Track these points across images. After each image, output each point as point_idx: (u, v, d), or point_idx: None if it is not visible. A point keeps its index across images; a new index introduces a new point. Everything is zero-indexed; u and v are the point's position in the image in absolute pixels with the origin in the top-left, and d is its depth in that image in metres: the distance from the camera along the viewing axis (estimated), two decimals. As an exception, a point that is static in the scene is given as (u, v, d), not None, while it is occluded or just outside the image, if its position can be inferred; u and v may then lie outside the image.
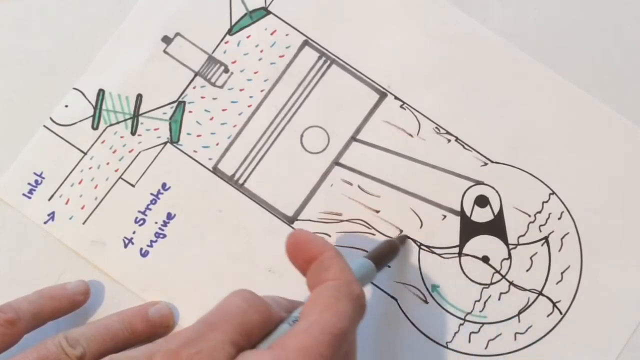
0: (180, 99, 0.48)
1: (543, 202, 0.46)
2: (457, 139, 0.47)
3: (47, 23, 0.49)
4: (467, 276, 0.46)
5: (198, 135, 0.48)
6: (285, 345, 0.33)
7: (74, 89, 0.48)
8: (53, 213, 0.47)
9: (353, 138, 0.47)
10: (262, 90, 0.48)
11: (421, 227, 0.46)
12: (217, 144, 0.48)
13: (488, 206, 0.46)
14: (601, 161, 0.46)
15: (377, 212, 0.46)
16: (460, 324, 0.45)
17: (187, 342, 0.33)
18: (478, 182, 0.47)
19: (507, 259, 0.46)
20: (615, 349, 0.44)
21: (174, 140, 0.48)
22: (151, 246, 0.46)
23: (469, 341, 0.45)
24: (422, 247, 0.46)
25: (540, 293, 0.45)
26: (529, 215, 0.46)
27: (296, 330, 0.34)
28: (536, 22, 0.48)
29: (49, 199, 0.47)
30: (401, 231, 0.46)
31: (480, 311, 0.45)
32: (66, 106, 0.48)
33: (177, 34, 0.49)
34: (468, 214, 0.46)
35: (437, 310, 0.45)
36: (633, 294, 0.45)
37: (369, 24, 0.48)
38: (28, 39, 0.49)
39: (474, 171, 0.47)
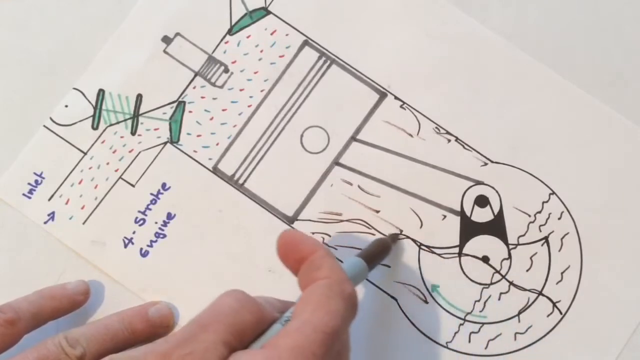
0: (180, 99, 0.48)
1: (543, 202, 0.46)
2: (457, 139, 0.47)
3: (47, 23, 0.49)
4: (467, 276, 0.46)
5: (198, 135, 0.48)
6: (278, 344, 0.33)
7: (74, 89, 0.48)
8: (53, 213, 0.47)
9: (353, 138, 0.47)
10: (262, 90, 0.48)
11: (421, 227, 0.46)
12: (217, 144, 0.48)
13: (488, 206, 0.46)
14: (601, 161, 0.46)
15: (377, 212, 0.46)
16: (460, 324, 0.45)
17: (179, 343, 0.33)
18: (478, 182, 0.46)
19: (507, 259, 0.46)
20: (615, 349, 0.44)
21: (174, 140, 0.48)
22: (151, 246, 0.46)
23: (469, 341, 0.45)
24: (422, 247, 0.46)
25: (540, 293, 0.45)
26: (529, 215, 0.46)
27: (288, 330, 0.34)
28: (536, 22, 0.48)
29: (49, 199, 0.47)
30: (401, 231, 0.46)
31: (480, 311, 0.45)
32: (66, 106, 0.48)
33: (177, 34, 0.49)
34: (468, 214, 0.46)
35: (437, 310, 0.45)
36: (633, 294, 0.45)
37: (369, 24, 0.48)
38: (28, 39, 0.49)
39: (474, 171, 0.47)
